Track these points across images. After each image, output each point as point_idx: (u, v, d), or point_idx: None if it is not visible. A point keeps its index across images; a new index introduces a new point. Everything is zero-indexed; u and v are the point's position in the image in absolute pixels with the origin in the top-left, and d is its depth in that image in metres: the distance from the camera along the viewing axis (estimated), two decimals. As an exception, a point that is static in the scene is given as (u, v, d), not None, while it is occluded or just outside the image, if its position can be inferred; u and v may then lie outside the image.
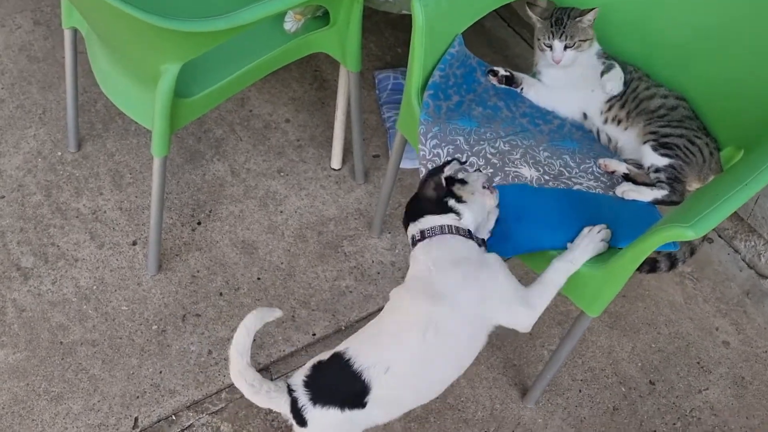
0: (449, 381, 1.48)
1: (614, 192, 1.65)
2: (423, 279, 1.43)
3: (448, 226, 1.43)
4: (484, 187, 1.48)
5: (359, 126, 2.18)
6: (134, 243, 2.16)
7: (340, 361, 1.42)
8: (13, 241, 2.15)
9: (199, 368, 1.94)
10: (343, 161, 2.38)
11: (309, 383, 1.44)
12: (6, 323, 1.99)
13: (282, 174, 2.36)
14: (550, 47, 1.74)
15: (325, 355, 1.47)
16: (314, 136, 2.46)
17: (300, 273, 2.14)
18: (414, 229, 1.47)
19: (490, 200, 1.49)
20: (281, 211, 2.27)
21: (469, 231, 1.45)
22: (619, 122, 1.75)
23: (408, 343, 1.41)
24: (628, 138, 1.74)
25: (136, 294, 2.07)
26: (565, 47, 1.73)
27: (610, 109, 1.77)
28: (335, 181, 2.35)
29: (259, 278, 2.13)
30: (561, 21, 1.74)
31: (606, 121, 1.78)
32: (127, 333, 1.99)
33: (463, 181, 1.48)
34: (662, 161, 1.64)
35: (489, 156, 1.65)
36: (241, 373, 1.41)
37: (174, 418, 1.86)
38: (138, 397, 1.89)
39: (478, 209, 1.48)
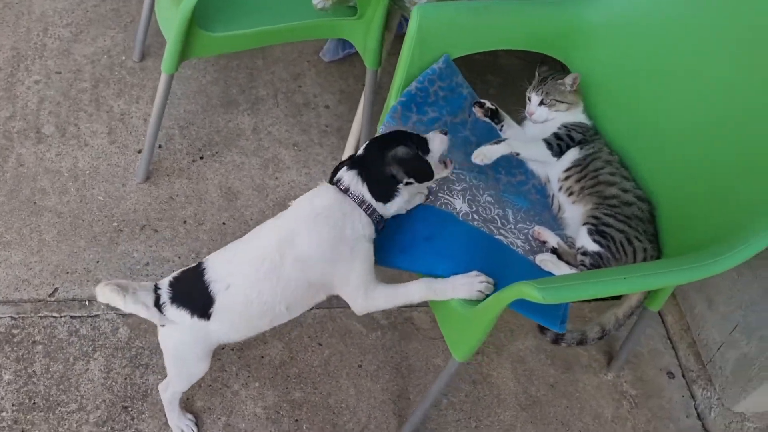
0: (278, 321, 1.55)
1: (534, 257, 1.61)
2: (296, 221, 1.49)
3: (363, 199, 1.49)
4: (441, 162, 1.59)
5: (368, 123, 2.25)
6: (139, 151, 2.35)
7: (198, 270, 1.51)
8: (46, 110, 2.40)
9: (130, 272, 2.07)
10: (354, 158, 2.45)
11: (173, 284, 1.56)
12: (3, 169, 2.23)
13: (296, 148, 2.48)
14: (530, 100, 1.75)
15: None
16: (341, 128, 2.56)
17: (262, 234, 2.23)
18: (346, 175, 1.52)
19: (444, 172, 1.60)
20: (276, 178, 2.38)
21: (374, 209, 1.50)
22: (571, 194, 1.72)
23: (248, 271, 1.48)
24: (573, 213, 1.70)
25: (117, 192, 2.24)
26: (541, 102, 1.73)
27: (567, 178, 1.74)
28: (338, 172, 2.44)
29: (224, 223, 2.24)
30: (545, 79, 1.77)
31: (560, 189, 1.75)
32: (90, 219, 2.17)
33: (425, 150, 1.55)
34: (592, 246, 1.59)
35: None
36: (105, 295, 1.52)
37: (87, 303, 2.00)
38: (68, 273, 2.04)
39: (403, 202, 1.54)
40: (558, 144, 1.75)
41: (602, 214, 1.62)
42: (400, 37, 1.87)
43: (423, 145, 1.55)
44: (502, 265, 1.55)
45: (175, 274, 1.58)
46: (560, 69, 1.84)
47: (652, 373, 2.15)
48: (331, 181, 1.55)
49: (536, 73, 1.83)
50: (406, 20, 1.88)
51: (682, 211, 1.61)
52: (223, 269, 1.51)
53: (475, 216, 1.63)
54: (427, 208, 1.61)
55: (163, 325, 1.57)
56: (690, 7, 1.65)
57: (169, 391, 1.72)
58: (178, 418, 1.77)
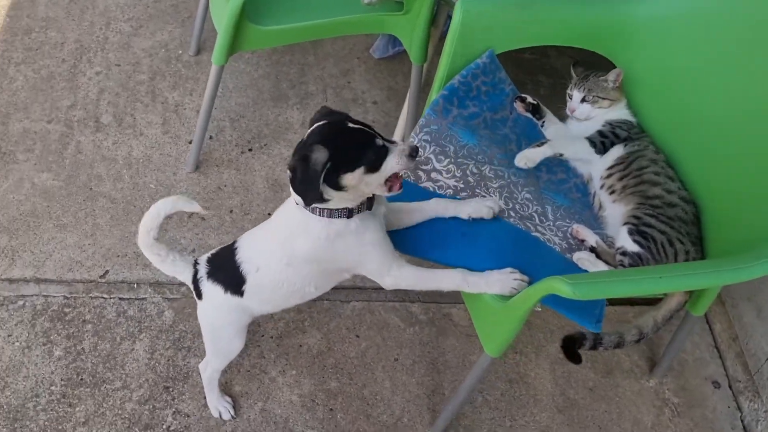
0: (308, 297, 1.58)
1: (572, 255, 1.59)
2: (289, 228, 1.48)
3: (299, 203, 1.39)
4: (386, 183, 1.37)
5: (413, 118, 2.26)
6: (190, 142, 2.42)
7: (232, 249, 1.57)
8: (105, 100, 2.50)
9: (177, 258, 2.14)
10: (400, 154, 2.47)
11: (211, 260, 1.62)
12: (63, 155, 2.33)
13: (343, 142, 2.50)
14: (571, 97, 1.73)
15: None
16: (388, 124, 2.58)
17: (305, 226, 2.27)
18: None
19: (382, 191, 1.38)
20: (322, 171, 2.42)
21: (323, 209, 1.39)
22: (612, 192, 1.69)
23: (273, 258, 1.50)
24: (613, 212, 1.67)
25: (168, 180, 2.31)
26: (583, 99, 1.71)
27: (609, 176, 1.71)
28: (383, 168, 2.45)
29: (269, 214, 2.27)
30: (587, 76, 1.76)
31: (602, 187, 1.72)
32: (142, 205, 2.24)
33: (372, 161, 1.32)
34: (632, 247, 1.56)
35: (468, 173, 1.66)
36: (147, 246, 1.58)
37: (135, 286, 2.07)
38: (119, 256, 2.12)
39: (348, 198, 1.37)
40: (602, 141, 1.72)
41: (644, 214, 1.59)
42: (446, 35, 1.87)
43: (372, 155, 1.31)
44: (538, 262, 1.53)
45: (214, 250, 1.64)
46: (595, 69, 1.81)
47: (697, 381, 2.09)
48: None
49: (572, 73, 1.81)
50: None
51: (728, 213, 1.57)
52: (253, 251, 1.55)
53: (512, 213, 1.62)
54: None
55: (200, 299, 1.62)
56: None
57: (209, 369, 1.77)
58: (217, 399, 1.82)
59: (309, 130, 1.36)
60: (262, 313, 1.65)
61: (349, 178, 1.32)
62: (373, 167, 1.32)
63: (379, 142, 1.33)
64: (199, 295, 1.62)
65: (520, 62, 2.76)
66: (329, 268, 1.51)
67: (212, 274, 1.59)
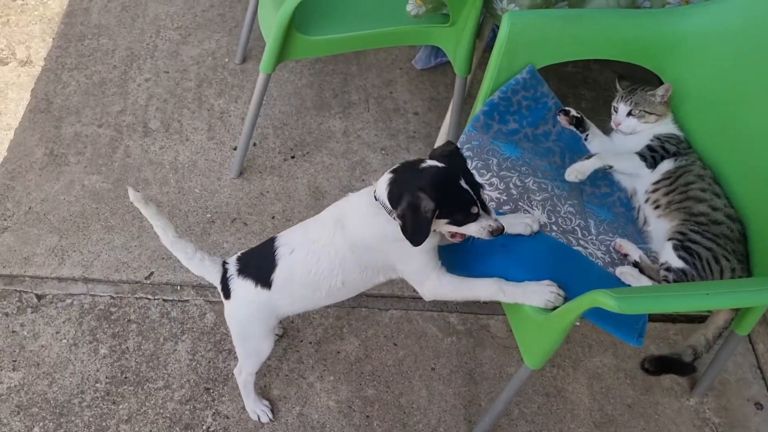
0: (335, 296, 1.61)
1: (614, 269, 1.59)
2: (350, 207, 1.53)
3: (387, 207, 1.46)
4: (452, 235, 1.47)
5: (455, 130, 2.27)
6: (234, 148, 2.47)
7: (270, 243, 1.60)
8: (154, 106, 2.56)
9: (220, 262, 2.18)
10: (440, 164, 2.48)
11: (241, 258, 1.65)
12: (112, 159, 2.40)
13: (383, 152, 2.53)
14: (617, 110, 1.73)
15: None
16: (429, 135, 2.60)
17: (345, 234, 2.29)
18: (381, 180, 1.48)
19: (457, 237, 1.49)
20: (363, 180, 2.44)
21: None
22: (657, 207, 1.68)
23: (309, 241, 1.54)
24: (658, 226, 1.66)
25: (212, 185, 2.36)
26: (629, 113, 1.70)
27: (655, 190, 1.69)
28: (423, 178, 2.47)
29: (310, 221, 2.32)
30: (634, 90, 1.75)
31: (647, 201, 1.71)
32: (186, 209, 2.29)
33: (464, 211, 1.42)
34: (677, 263, 1.55)
35: (512, 186, 1.67)
36: (170, 243, 1.62)
37: (179, 288, 2.12)
38: (164, 259, 2.17)
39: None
40: (652, 156, 1.71)
41: (689, 230, 1.58)
42: (490, 49, 1.88)
43: (463, 217, 1.42)
44: (579, 277, 1.53)
45: (244, 251, 1.67)
46: (640, 83, 1.81)
47: (738, 402, 2.05)
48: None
49: (617, 87, 1.81)
50: (498, 28, 1.90)
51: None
52: (291, 238, 1.59)
53: (554, 227, 1.62)
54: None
55: (228, 299, 1.64)
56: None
57: (243, 373, 1.79)
58: (254, 402, 1.85)
59: (426, 165, 1.40)
60: (289, 312, 1.66)
61: (436, 222, 1.42)
62: (457, 224, 1.43)
63: (475, 210, 1.41)
64: (228, 295, 1.64)
65: (562, 75, 2.76)
66: (371, 262, 1.53)
67: (243, 271, 1.61)
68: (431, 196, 1.35)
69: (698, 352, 1.64)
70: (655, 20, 1.72)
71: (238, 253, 1.67)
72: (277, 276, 1.57)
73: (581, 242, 1.62)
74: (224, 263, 1.65)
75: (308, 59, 2.77)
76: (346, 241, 1.51)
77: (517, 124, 1.76)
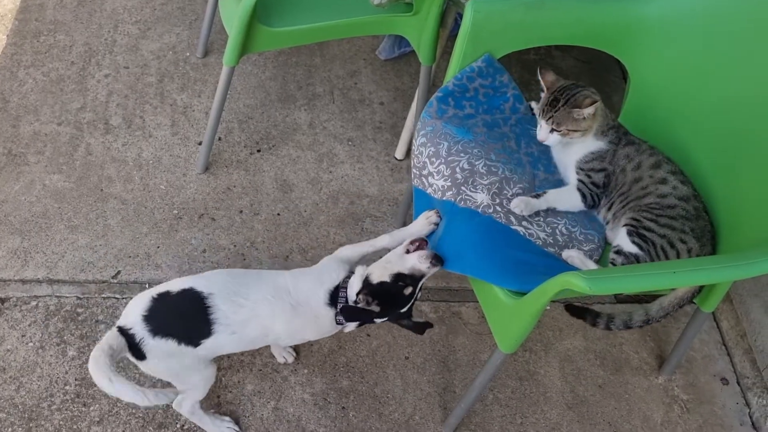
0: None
1: (561, 252, 1.61)
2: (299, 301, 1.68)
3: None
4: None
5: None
6: (199, 143, 2.43)
7: (193, 300, 1.64)
8: (114, 102, 2.51)
9: (188, 259, 2.15)
10: (407, 154, 2.49)
11: (147, 318, 1.58)
12: (73, 157, 2.34)
13: (350, 143, 2.52)
14: (539, 124, 1.69)
15: None
16: (395, 125, 2.60)
17: (315, 226, 2.28)
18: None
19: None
20: (330, 171, 2.43)
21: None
22: (607, 221, 1.71)
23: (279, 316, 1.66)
24: (613, 223, 1.70)
25: (178, 181, 2.33)
26: (552, 130, 1.66)
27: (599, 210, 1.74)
28: (391, 168, 2.47)
29: (278, 214, 2.30)
30: (556, 103, 1.64)
31: (598, 213, 1.75)
32: (152, 206, 2.26)
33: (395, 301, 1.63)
34: (630, 248, 1.56)
35: (458, 170, 1.66)
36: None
37: (147, 286, 2.08)
38: (130, 257, 2.13)
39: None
40: (591, 194, 1.68)
41: (642, 218, 1.60)
42: (454, 38, 1.88)
43: (402, 304, 1.63)
44: (515, 254, 1.55)
45: (141, 309, 1.56)
46: (565, 80, 1.72)
47: (705, 378, 2.10)
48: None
49: (540, 79, 1.71)
50: (461, 17, 1.90)
51: (739, 208, 1.58)
52: (238, 316, 1.60)
53: (498, 208, 1.63)
54: (449, 204, 1.65)
55: (143, 360, 1.56)
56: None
57: (185, 405, 1.72)
58: (213, 423, 1.78)
59: (376, 286, 1.61)
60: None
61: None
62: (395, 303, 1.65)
63: (408, 291, 1.60)
64: (142, 357, 1.55)
65: (524, 63, 2.78)
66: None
67: (159, 330, 1.54)
68: (380, 305, 1.62)
69: (650, 315, 1.66)
70: (618, 5, 1.74)
71: (140, 314, 1.55)
72: (207, 343, 1.59)
73: (523, 223, 1.62)
74: (120, 329, 1.54)
75: (271, 51, 2.75)
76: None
77: (473, 110, 1.77)
